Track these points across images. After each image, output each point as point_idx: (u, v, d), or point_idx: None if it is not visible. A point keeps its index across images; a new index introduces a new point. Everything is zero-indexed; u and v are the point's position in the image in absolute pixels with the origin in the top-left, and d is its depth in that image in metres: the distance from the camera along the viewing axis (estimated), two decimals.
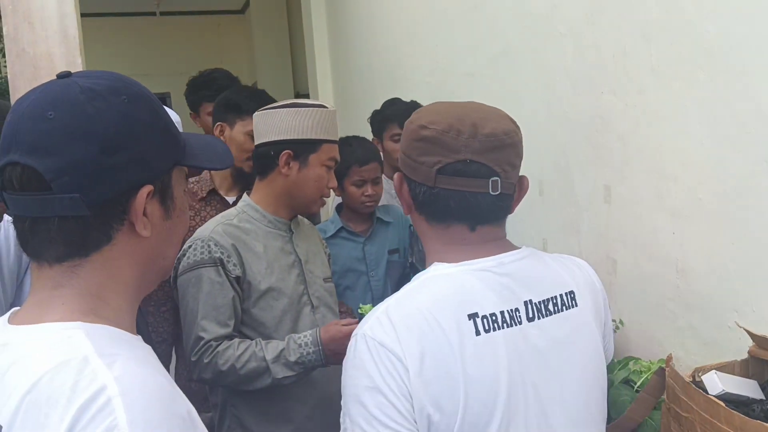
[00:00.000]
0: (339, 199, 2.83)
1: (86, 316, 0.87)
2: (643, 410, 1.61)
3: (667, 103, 1.83)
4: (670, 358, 1.53)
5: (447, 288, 1.16)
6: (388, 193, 3.04)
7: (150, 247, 0.93)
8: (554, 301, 1.21)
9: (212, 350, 1.85)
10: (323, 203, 2.16)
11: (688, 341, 1.87)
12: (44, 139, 0.84)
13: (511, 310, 1.16)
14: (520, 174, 1.25)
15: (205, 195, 2.52)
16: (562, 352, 1.19)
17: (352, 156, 2.61)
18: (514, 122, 1.23)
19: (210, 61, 7.70)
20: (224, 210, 2.14)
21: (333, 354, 1.88)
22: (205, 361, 1.85)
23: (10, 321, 0.91)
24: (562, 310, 1.22)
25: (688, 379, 1.47)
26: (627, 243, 2.06)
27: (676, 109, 1.80)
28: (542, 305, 1.20)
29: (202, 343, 1.86)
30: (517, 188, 1.24)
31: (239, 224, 2.00)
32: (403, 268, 2.86)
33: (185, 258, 1.92)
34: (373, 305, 2.12)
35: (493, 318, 1.14)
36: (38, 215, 0.86)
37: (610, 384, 1.82)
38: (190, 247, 1.93)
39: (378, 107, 3.22)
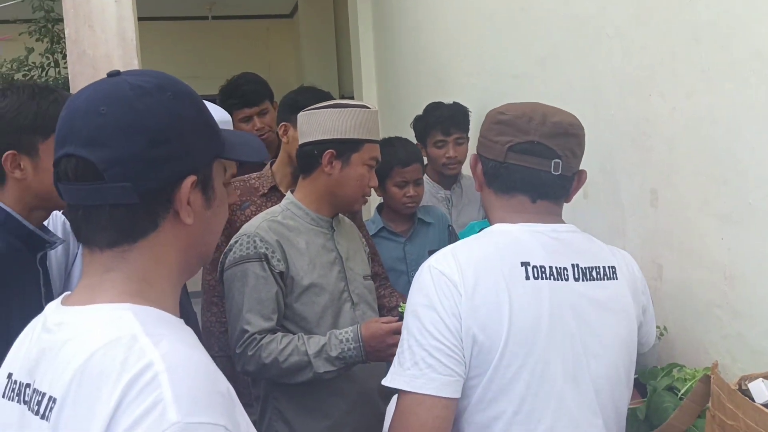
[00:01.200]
0: (380, 199, 2.84)
1: (134, 298, 0.93)
2: (687, 418, 1.58)
3: (717, 107, 1.79)
4: (715, 365, 1.50)
5: (505, 239, 1.35)
6: (431, 194, 3.04)
7: (192, 235, 0.99)
8: (597, 269, 1.37)
9: (256, 343, 1.89)
10: (365, 202, 2.19)
11: (735, 349, 1.83)
12: (98, 133, 0.90)
13: (559, 267, 1.33)
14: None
15: (266, 191, 2.55)
16: (600, 313, 1.34)
17: (394, 157, 2.62)
18: (578, 120, 1.43)
19: (258, 63, 7.82)
20: None
21: (373, 350, 1.91)
22: (249, 353, 1.89)
23: (63, 303, 0.97)
24: (603, 279, 1.37)
25: (734, 387, 1.44)
26: (673, 248, 2.03)
27: (727, 112, 1.76)
28: (587, 270, 1.35)
29: (247, 336, 1.89)
30: (576, 178, 1.43)
31: (283, 221, 2.03)
32: None
33: (231, 253, 1.96)
34: None
35: (542, 269, 1.31)
36: (91, 204, 0.92)
37: (653, 390, 1.79)
38: (236, 242, 1.97)
39: (422, 110, 3.21)
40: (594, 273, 1.36)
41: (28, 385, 0.93)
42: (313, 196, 2.08)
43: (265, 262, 1.93)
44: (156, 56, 7.34)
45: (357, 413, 2.05)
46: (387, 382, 1.31)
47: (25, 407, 0.92)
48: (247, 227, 2.01)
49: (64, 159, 0.92)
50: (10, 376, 0.97)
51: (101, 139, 0.90)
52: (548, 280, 1.31)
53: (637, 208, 2.18)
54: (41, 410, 0.88)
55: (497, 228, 1.39)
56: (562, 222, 1.42)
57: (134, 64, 3.51)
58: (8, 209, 1.66)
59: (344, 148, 2.03)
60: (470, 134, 3.11)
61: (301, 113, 2.10)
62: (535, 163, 1.36)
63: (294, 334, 1.95)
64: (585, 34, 2.39)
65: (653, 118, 2.05)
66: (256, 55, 8.98)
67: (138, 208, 0.92)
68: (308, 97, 2.56)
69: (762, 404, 1.35)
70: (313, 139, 2.05)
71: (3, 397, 0.97)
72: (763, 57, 1.64)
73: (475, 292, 1.26)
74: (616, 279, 1.39)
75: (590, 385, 1.31)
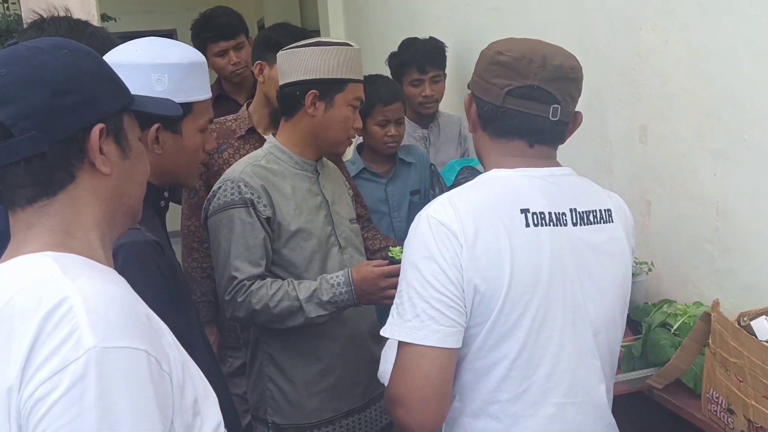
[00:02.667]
0: (359, 139, 2.77)
1: (55, 248, 0.95)
2: (688, 357, 1.60)
3: (714, 40, 1.76)
4: (716, 303, 1.51)
5: (504, 186, 1.31)
6: (408, 134, 2.98)
7: (113, 186, 1.01)
8: (594, 213, 1.35)
9: (246, 289, 1.84)
10: (349, 143, 2.12)
11: (726, 284, 1.85)
12: (1, 92, 0.92)
13: (558, 213, 1.30)
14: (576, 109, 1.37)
15: (243, 133, 2.46)
16: (598, 257, 1.33)
17: (375, 95, 2.54)
18: (578, 62, 1.36)
19: None
20: None
21: (365, 294, 1.89)
22: (239, 300, 1.85)
23: None
24: (600, 223, 1.36)
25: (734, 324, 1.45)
26: (663, 184, 2.02)
27: (724, 46, 1.73)
28: (585, 215, 1.34)
29: (236, 282, 1.85)
30: (572, 121, 1.37)
31: (267, 165, 1.96)
32: None
33: (215, 199, 1.89)
34: (399, 247, 2.11)
35: (542, 215, 1.28)
36: (4, 162, 0.93)
37: (648, 327, 1.81)
38: (219, 188, 1.90)
39: (395, 46, 3.11)
40: (591, 217, 1.35)
41: None
42: (297, 138, 2.01)
43: (251, 208, 1.87)
44: None
45: (348, 355, 2.04)
46: (386, 333, 1.29)
47: None
48: (230, 172, 1.94)
49: None
50: None
51: (4, 98, 0.92)
52: (548, 227, 1.29)
53: (625, 144, 2.16)
54: None
55: (494, 174, 1.35)
56: (559, 165, 1.39)
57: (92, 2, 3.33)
58: None
59: (327, 88, 1.95)
60: (447, 71, 3.04)
61: (280, 52, 2.00)
62: (533, 108, 1.30)
63: (283, 279, 1.91)
64: None
65: (645, 52, 2.01)
66: None
67: (52, 159, 0.94)
68: (284, 34, 2.44)
69: (766, 341, 1.36)
70: (295, 80, 1.96)
71: None
72: None
73: (475, 241, 1.24)
74: (612, 222, 1.38)
75: (588, 329, 1.32)
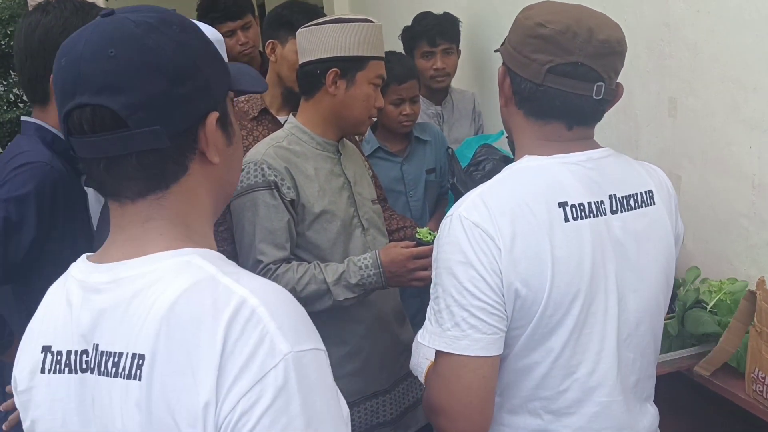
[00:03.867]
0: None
1: (187, 243, 0.89)
2: (736, 339, 1.56)
3: (749, 8, 1.70)
4: (762, 281, 1.47)
5: (539, 177, 1.23)
6: (423, 111, 2.92)
7: (219, 174, 0.95)
8: (635, 197, 1.28)
9: (272, 273, 1.81)
10: (371, 123, 2.07)
11: (762, 259, 1.81)
12: (112, 78, 0.83)
13: (597, 201, 1.23)
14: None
15: (256, 114, 2.40)
16: (640, 244, 1.26)
17: (390, 73, 2.46)
18: (623, 32, 1.26)
19: None
20: (276, 129, 2.05)
21: (393, 276, 1.86)
22: None
23: (97, 260, 0.90)
24: (642, 207, 1.28)
25: None
26: (694, 158, 1.97)
27: (760, 13, 1.68)
28: (624, 200, 1.26)
29: (261, 266, 1.82)
30: (613, 97, 1.28)
31: (289, 146, 1.91)
32: (440, 189, 2.78)
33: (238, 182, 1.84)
34: (426, 228, 2.07)
35: (581, 207, 1.21)
36: (116, 154, 0.85)
37: (682, 305, 1.77)
38: (243, 170, 1.84)
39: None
40: (632, 202, 1.27)
41: (85, 352, 0.86)
42: (318, 119, 1.96)
43: (275, 190, 1.83)
44: None
45: (373, 338, 2.01)
46: (425, 341, 1.22)
47: (88, 374, 0.85)
48: (252, 154, 1.89)
49: (76, 111, 0.84)
50: (48, 349, 0.90)
51: (117, 84, 0.82)
52: (588, 219, 1.21)
53: (652, 118, 2.11)
54: (123, 370, 0.82)
55: (528, 163, 1.25)
56: (596, 145, 1.30)
57: None
58: (54, 129, 1.63)
59: (348, 66, 1.89)
60: (461, 47, 2.98)
61: (300, 30, 1.94)
62: (576, 87, 1.20)
63: (308, 262, 1.87)
64: None
65: (673, 22, 1.95)
66: None
67: (167, 152, 0.86)
68: (296, 11, 2.38)
69: None
70: (314, 58, 1.91)
71: (49, 372, 0.89)
72: None
73: (513, 243, 1.16)
74: (654, 204, 1.30)
75: (631, 320, 1.26)
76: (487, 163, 2.61)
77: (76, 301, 0.88)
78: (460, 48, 2.97)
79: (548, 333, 1.20)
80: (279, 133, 1.97)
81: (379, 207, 2.15)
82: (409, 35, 2.98)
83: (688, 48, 1.92)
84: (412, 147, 2.69)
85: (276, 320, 0.80)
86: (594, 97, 1.21)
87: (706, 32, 1.85)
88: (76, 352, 0.87)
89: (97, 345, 0.85)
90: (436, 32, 2.90)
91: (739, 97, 1.78)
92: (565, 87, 1.20)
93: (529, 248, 1.16)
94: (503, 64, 1.30)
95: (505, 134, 2.69)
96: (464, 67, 3.02)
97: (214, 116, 0.90)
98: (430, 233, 1.93)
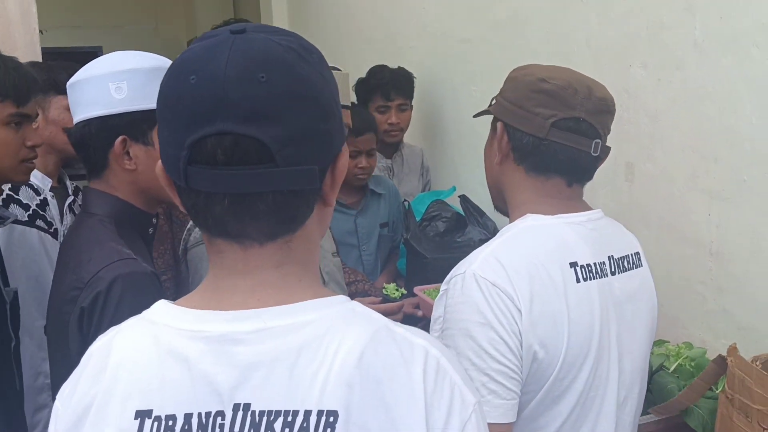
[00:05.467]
0: None
1: (323, 290, 0.82)
2: (694, 395, 1.57)
3: (712, 80, 1.76)
4: (734, 348, 1.48)
5: (549, 237, 1.22)
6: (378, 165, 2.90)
7: (328, 218, 0.88)
8: (628, 259, 1.30)
9: None
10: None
11: (718, 325, 1.83)
12: (263, 105, 0.73)
13: (600, 263, 1.24)
14: None
15: None
16: (633, 305, 1.28)
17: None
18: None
19: (144, 11, 7.30)
20: None
21: None
22: None
23: (224, 308, 0.78)
24: (633, 268, 1.31)
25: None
26: (650, 224, 2.01)
27: (723, 86, 1.73)
28: (620, 262, 1.28)
29: None
30: (604, 157, 1.30)
31: None
32: (393, 242, 2.74)
33: (195, 230, 1.76)
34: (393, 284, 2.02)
35: (589, 268, 1.21)
36: (252, 191, 0.74)
37: (650, 368, 1.77)
38: None
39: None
40: (626, 263, 1.29)
41: (220, 414, 0.74)
42: None
43: None
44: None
45: None
46: None
47: None
48: None
49: (213, 138, 0.73)
50: (147, 414, 0.75)
51: (269, 113, 0.73)
52: (595, 280, 1.22)
53: (609, 182, 2.14)
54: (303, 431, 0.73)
55: (534, 222, 1.24)
56: (588, 206, 1.31)
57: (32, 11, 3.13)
58: None
59: None
60: (414, 102, 2.99)
61: None
62: (578, 142, 1.22)
63: None
64: None
65: (634, 90, 2.00)
66: (142, 3, 8.33)
67: (306, 193, 0.78)
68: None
69: None
70: None
71: None
72: (767, 29, 1.61)
73: (532, 304, 1.14)
74: (642, 266, 1.33)
75: (627, 382, 1.26)
76: (439, 220, 2.60)
77: (197, 356, 0.75)
78: (412, 104, 2.98)
79: (558, 397, 1.17)
80: None
81: (339, 260, 2.09)
82: (364, 88, 2.97)
83: (648, 115, 1.96)
84: (367, 200, 2.65)
85: (458, 371, 0.80)
86: (592, 153, 1.24)
87: (666, 101, 1.90)
88: (207, 414, 0.74)
89: (248, 405, 0.74)
90: (391, 87, 2.90)
91: (699, 167, 1.82)
92: (568, 141, 1.22)
93: (546, 309, 1.15)
94: (498, 121, 1.29)
95: (457, 192, 2.68)
96: (414, 122, 3.03)
97: (346, 153, 0.83)
98: (397, 289, 1.89)
